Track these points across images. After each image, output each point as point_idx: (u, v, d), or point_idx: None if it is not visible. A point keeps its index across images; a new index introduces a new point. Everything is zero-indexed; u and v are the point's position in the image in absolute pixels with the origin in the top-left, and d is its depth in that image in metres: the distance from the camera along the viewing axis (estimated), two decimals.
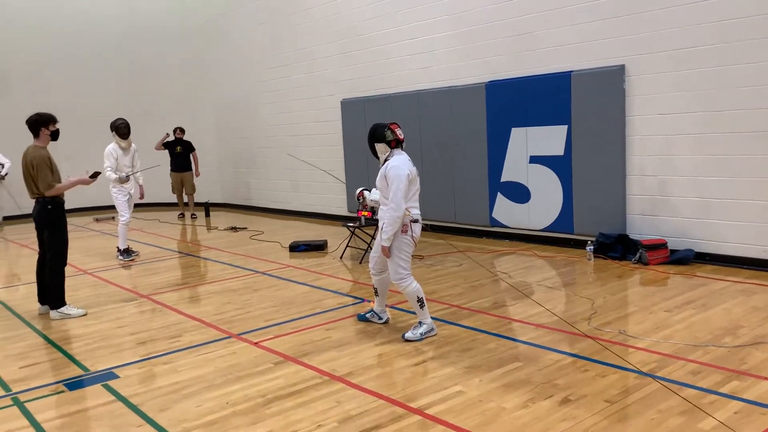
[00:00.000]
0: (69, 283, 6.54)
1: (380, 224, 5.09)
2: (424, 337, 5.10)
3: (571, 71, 8.24)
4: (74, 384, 4.54)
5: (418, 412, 3.79)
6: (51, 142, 6.33)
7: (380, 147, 5.15)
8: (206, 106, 15.80)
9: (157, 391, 4.32)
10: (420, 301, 5.10)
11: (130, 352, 5.17)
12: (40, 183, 6.06)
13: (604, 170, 8.08)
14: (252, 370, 4.63)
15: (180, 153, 13.61)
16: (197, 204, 14.55)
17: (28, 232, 12.64)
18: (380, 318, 5.59)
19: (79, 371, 4.80)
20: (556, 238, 8.77)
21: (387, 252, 5.05)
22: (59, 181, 6.23)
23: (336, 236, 10.01)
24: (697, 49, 7.09)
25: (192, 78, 15.79)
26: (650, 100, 7.59)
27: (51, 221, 6.18)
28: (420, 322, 5.17)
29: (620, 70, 7.75)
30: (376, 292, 5.53)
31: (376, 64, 11.05)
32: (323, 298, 6.59)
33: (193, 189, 13.95)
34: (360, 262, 8.22)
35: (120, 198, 9.23)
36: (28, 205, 15.16)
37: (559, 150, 8.51)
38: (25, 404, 4.20)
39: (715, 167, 7.13)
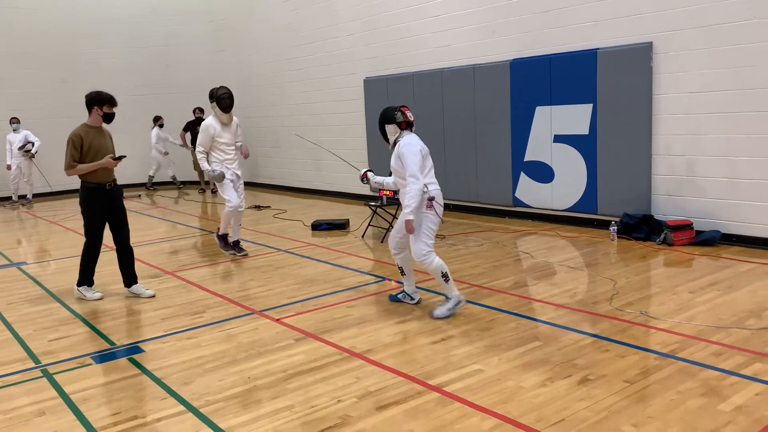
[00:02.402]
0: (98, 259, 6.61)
1: (403, 203, 5.06)
2: (452, 312, 5.11)
3: (598, 49, 8.10)
4: (101, 357, 4.66)
5: (437, 389, 3.82)
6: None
7: (390, 128, 5.24)
8: (231, 84, 15.73)
9: (181, 365, 4.41)
10: (445, 275, 5.06)
11: (155, 327, 5.28)
12: (65, 161, 5.98)
13: (629, 150, 7.96)
14: (273, 345, 4.70)
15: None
16: None
17: (57, 209, 12.94)
18: (412, 299, 5.54)
19: (105, 345, 4.91)
20: (579, 218, 8.69)
21: (411, 226, 4.96)
22: (92, 161, 5.96)
23: (358, 215, 10.04)
24: (730, 25, 6.91)
25: (216, 56, 15.84)
26: (678, 78, 7.43)
27: (80, 202, 6.19)
28: (447, 297, 5.17)
29: (648, 47, 7.59)
30: (402, 272, 5.47)
31: (399, 41, 10.96)
32: (345, 277, 6.64)
33: None
34: (381, 241, 8.25)
35: (224, 179, 7.73)
36: (57, 183, 15.30)
37: (584, 129, 8.40)
38: (54, 376, 4.31)
39: (745, 147, 6.97)
